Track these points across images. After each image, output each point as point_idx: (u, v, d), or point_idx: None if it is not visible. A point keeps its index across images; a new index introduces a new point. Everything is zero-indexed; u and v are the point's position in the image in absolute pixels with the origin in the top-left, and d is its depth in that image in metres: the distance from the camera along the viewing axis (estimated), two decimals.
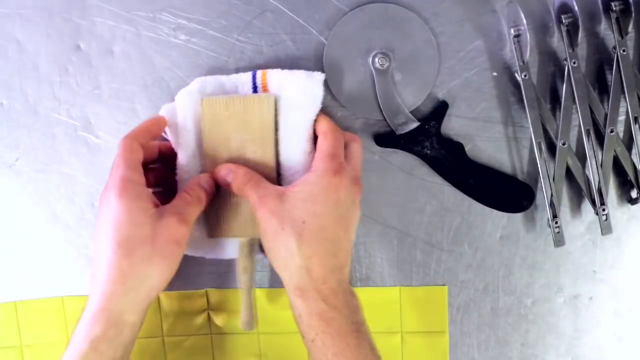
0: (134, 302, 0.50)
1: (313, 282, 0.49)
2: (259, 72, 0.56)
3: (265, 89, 0.56)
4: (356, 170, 0.54)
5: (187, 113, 0.56)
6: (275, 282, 0.60)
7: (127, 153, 0.51)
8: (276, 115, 0.55)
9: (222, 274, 0.61)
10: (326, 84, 0.56)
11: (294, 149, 0.55)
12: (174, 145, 0.58)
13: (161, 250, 0.50)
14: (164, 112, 0.57)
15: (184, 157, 0.56)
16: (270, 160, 0.55)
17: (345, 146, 0.54)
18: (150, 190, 0.53)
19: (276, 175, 0.55)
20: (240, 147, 0.55)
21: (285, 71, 0.56)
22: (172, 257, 0.51)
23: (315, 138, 0.55)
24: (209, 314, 0.61)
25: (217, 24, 0.58)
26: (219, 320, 0.61)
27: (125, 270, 0.49)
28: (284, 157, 0.55)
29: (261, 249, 0.57)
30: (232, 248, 0.57)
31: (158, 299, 0.61)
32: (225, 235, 0.56)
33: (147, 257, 0.49)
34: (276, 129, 0.55)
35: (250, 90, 0.56)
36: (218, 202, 0.55)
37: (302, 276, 0.49)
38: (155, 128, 0.55)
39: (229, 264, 0.60)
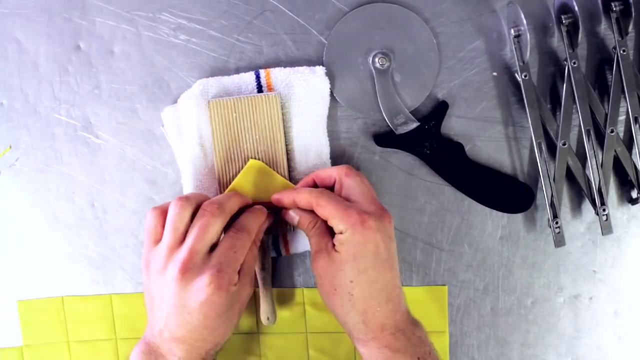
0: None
1: (372, 332, 0.50)
2: (262, 72, 0.57)
3: (270, 88, 0.57)
4: (373, 201, 0.52)
5: (191, 117, 0.56)
6: (275, 282, 0.60)
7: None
8: (287, 113, 0.56)
9: None
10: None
11: (310, 145, 0.57)
12: (174, 149, 0.58)
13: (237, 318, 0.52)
14: (165, 115, 0.57)
15: (189, 161, 0.56)
16: (281, 158, 0.56)
17: (341, 184, 0.53)
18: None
19: (288, 173, 0.56)
20: (251, 147, 0.56)
21: (288, 69, 0.57)
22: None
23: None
24: None
25: (217, 24, 0.58)
26: None
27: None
28: (299, 154, 0.57)
29: (274, 248, 0.58)
30: None
31: None
32: None
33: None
34: (289, 128, 0.57)
35: (255, 89, 0.57)
36: None
37: (360, 330, 0.51)
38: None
39: None
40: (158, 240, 0.50)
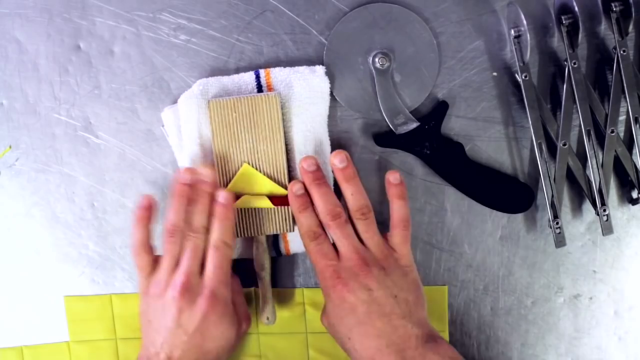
0: None
1: None
2: (262, 71, 0.57)
3: (270, 88, 0.57)
4: (355, 251, 0.54)
5: (191, 117, 0.56)
6: (275, 282, 0.60)
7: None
8: (287, 113, 0.56)
9: None
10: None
11: (310, 145, 0.57)
12: (174, 149, 0.58)
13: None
14: (165, 115, 0.57)
15: (189, 161, 0.57)
16: (280, 158, 0.56)
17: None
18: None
19: (288, 173, 0.56)
20: (251, 147, 0.56)
21: (288, 69, 0.57)
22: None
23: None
24: None
25: (217, 24, 0.58)
26: None
27: None
28: (299, 154, 0.57)
29: (274, 248, 0.58)
30: (244, 247, 0.59)
31: None
32: (243, 234, 0.57)
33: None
34: (289, 127, 0.56)
35: (255, 89, 0.57)
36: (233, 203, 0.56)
37: None
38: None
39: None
40: (152, 271, 0.54)
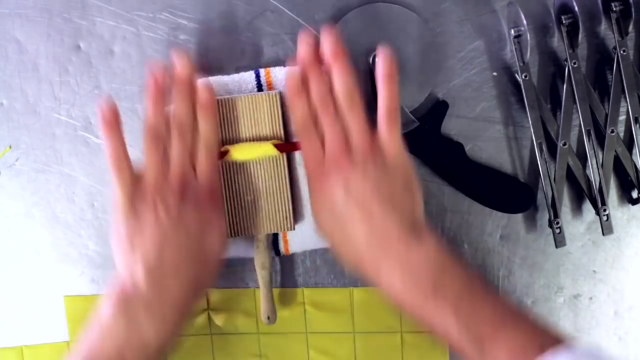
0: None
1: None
2: (262, 71, 0.57)
3: (270, 87, 0.57)
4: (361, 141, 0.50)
5: None
6: (275, 282, 0.60)
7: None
8: (287, 112, 0.56)
9: (222, 274, 0.60)
10: None
11: None
12: None
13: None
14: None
15: None
16: (282, 156, 0.56)
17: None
18: None
19: (288, 172, 0.56)
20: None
21: (288, 68, 0.56)
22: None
23: None
24: (209, 314, 0.61)
25: (217, 24, 0.58)
26: (219, 320, 0.61)
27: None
28: (299, 154, 0.57)
29: (274, 248, 0.59)
30: (244, 247, 0.59)
31: None
32: (244, 233, 0.57)
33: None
34: (290, 126, 0.57)
35: (255, 88, 0.57)
36: (235, 201, 0.56)
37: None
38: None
39: (228, 264, 0.60)
40: (135, 189, 0.50)
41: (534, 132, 0.57)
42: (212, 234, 0.51)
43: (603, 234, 0.58)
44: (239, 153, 0.55)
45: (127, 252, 0.49)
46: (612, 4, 0.56)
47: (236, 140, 0.56)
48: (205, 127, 0.52)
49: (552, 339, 0.44)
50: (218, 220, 0.52)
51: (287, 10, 0.58)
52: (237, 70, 0.58)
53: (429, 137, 0.58)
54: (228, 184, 0.56)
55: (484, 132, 0.59)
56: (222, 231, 0.52)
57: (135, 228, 0.49)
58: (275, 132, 0.56)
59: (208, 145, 0.52)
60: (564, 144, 0.57)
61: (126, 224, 0.49)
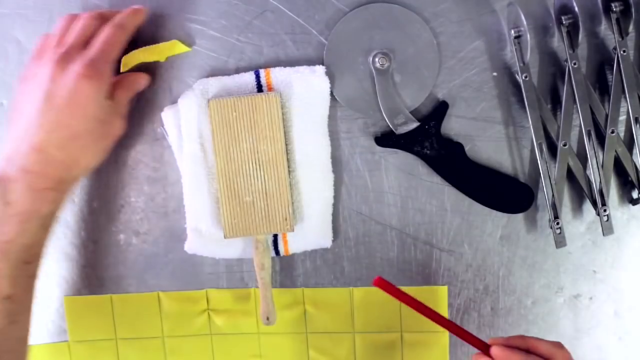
0: None
1: None
2: (262, 71, 0.57)
3: (270, 88, 0.57)
4: None
5: (191, 116, 0.56)
6: (274, 282, 0.60)
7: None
8: (287, 113, 0.56)
9: (222, 274, 0.61)
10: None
11: (310, 145, 0.57)
12: (174, 149, 0.58)
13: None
14: (165, 115, 0.57)
15: (189, 161, 0.57)
16: (281, 157, 0.56)
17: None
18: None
19: (288, 173, 0.56)
20: (251, 146, 0.56)
21: (288, 69, 0.57)
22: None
23: None
24: (209, 314, 0.61)
25: (217, 24, 0.58)
26: (219, 320, 0.61)
27: None
28: (300, 155, 0.57)
29: (274, 248, 0.59)
30: (243, 247, 0.59)
31: (158, 299, 0.61)
32: (242, 234, 0.57)
33: None
34: (289, 127, 0.57)
35: (255, 89, 0.57)
36: (233, 202, 0.56)
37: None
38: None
39: (228, 264, 0.60)
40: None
41: (534, 132, 0.57)
42: (80, 106, 0.50)
43: (603, 234, 0.58)
44: (144, 54, 0.56)
45: (13, 121, 0.51)
46: (612, 4, 0.56)
47: (236, 142, 0.56)
48: (120, 15, 0.53)
49: None
50: (94, 92, 0.50)
51: (287, 10, 0.58)
52: (237, 70, 0.58)
53: (429, 137, 0.58)
54: (228, 184, 0.56)
55: (484, 132, 0.59)
56: (96, 104, 0.51)
57: (23, 95, 0.51)
58: (274, 133, 0.56)
59: (116, 24, 0.53)
60: (564, 144, 0.57)
61: (17, 91, 0.52)
